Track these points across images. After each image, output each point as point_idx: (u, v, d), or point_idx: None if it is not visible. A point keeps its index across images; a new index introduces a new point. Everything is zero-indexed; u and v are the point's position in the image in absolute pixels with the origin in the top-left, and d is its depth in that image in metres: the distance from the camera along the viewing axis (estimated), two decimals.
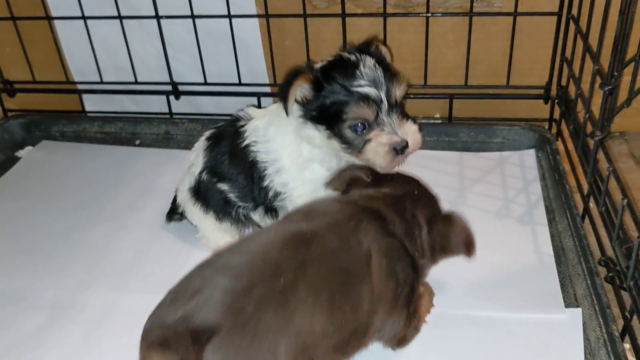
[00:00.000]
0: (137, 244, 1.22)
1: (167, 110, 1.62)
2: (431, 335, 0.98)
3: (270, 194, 1.08)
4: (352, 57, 1.00)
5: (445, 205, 1.26)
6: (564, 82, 1.40)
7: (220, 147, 1.10)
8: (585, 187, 1.20)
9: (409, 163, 1.38)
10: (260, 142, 1.07)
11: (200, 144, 1.15)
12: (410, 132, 1.01)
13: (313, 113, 1.01)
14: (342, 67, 0.99)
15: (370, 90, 0.97)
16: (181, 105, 1.62)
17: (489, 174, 1.37)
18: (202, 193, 1.13)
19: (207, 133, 1.15)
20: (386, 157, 1.00)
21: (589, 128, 1.16)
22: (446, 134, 1.47)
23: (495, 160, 1.42)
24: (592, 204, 1.17)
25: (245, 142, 1.07)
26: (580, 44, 1.25)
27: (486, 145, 1.46)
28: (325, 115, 1.00)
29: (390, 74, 0.99)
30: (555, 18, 1.36)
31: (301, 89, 1.00)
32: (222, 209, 1.13)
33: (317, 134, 1.03)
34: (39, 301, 1.09)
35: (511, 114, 1.52)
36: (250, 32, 1.49)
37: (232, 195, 1.11)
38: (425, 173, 1.32)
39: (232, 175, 1.10)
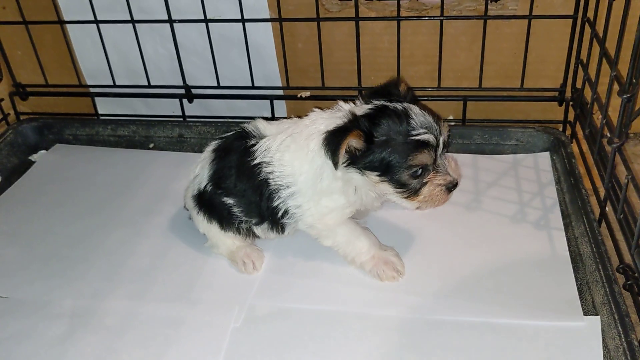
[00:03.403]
0: (153, 250, 1.23)
1: (180, 114, 1.62)
2: (450, 342, 0.99)
3: (280, 213, 1.08)
4: (399, 107, 1.00)
5: (461, 209, 1.28)
6: (578, 85, 1.39)
7: (228, 162, 1.10)
8: (601, 191, 1.20)
9: None
10: (273, 164, 1.06)
11: (206, 155, 1.15)
12: (456, 169, 1.06)
13: (366, 164, 1.01)
14: (392, 117, 0.99)
15: (428, 137, 0.99)
16: (194, 109, 1.63)
17: (504, 177, 1.37)
18: (206, 203, 1.14)
19: (213, 145, 1.15)
20: (442, 197, 1.04)
21: (606, 132, 1.16)
22: (460, 136, 1.47)
23: (510, 162, 1.41)
24: (608, 208, 1.17)
25: (256, 161, 1.07)
26: (596, 47, 1.24)
27: (500, 148, 1.45)
28: (380, 163, 1.00)
29: (436, 117, 1.02)
30: (570, 21, 1.35)
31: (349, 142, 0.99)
32: (225, 220, 1.14)
33: (359, 177, 1.03)
34: (59, 309, 1.10)
35: (525, 115, 1.51)
36: (263, 35, 1.49)
37: (236, 210, 1.11)
38: None
39: (238, 191, 1.10)
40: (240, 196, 1.10)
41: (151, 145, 1.58)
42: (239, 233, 1.15)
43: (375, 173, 1.01)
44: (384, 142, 0.99)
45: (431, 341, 1.00)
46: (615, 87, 1.08)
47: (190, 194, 1.17)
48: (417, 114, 0.99)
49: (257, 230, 1.15)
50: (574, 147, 1.39)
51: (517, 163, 1.41)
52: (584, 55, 1.35)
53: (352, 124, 0.99)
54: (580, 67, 1.38)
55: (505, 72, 1.46)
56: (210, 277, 1.16)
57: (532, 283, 1.09)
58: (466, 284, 1.09)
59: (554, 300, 1.05)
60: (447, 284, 1.10)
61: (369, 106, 1.02)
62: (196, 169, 1.16)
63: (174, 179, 1.42)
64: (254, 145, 1.08)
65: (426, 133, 0.98)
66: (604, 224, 1.18)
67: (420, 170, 1.01)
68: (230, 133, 1.14)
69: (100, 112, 1.69)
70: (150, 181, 1.44)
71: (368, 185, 1.05)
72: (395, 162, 0.99)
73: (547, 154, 1.42)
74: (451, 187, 1.04)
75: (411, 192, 1.03)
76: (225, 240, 1.16)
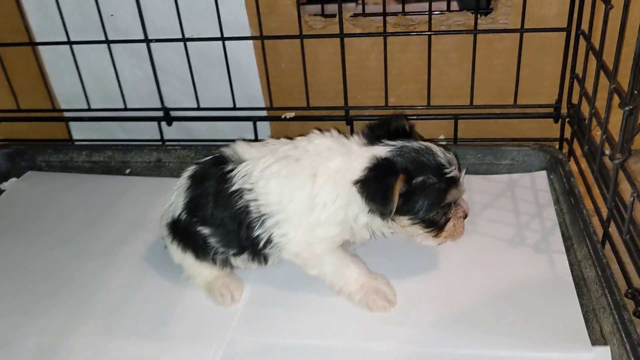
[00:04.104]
0: (126, 282, 1.14)
1: (158, 137, 1.55)
2: None
3: (262, 242, 1.01)
4: (422, 146, 0.97)
5: None
6: (575, 100, 1.33)
7: (204, 189, 1.03)
8: (604, 210, 1.13)
9: None
10: (256, 191, 0.99)
11: (182, 181, 1.08)
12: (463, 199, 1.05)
13: (403, 209, 0.97)
14: (422, 157, 0.96)
15: (456, 173, 0.98)
16: (174, 132, 1.56)
17: (499, 198, 1.30)
18: (180, 232, 1.06)
19: (190, 170, 1.08)
20: (462, 229, 1.04)
21: (606, 148, 1.10)
22: None
23: (505, 183, 1.34)
24: (612, 228, 1.10)
25: (234, 188, 1.00)
26: (592, 60, 1.18)
27: (494, 168, 1.39)
28: (418, 206, 0.97)
29: (452, 151, 1.01)
30: (564, 34, 1.29)
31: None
32: (201, 249, 1.06)
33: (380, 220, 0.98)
34: (21, 348, 1.01)
35: (519, 133, 1.45)
36: (244, 54, 1.43)
37: (212, 240, 1.04)
38: None
39: (215, 220, 1.02)
40: (217, 225, 1.03)
41: (128, 171, 1.50)
42: (215, 264, 1.07)
43: (408, 216, 0.98)
44: (421, 184, 0.95)
45: None
46: (616, 100, 1.02)
47: (165, 222, 1.10)
48: (441, 152, 0.97)
49: (236, 261, 1.07)
50: (572, 165, 1.32)
51: (513, 183, 1.34)
52: (579, 70, 1.29)
53: (392, 166, 0.94)
54: (575, 81, 1.32)
55: (497, 89, 1.41)
56: (187, 310, 1.07)
57: (535, 311, 1.01)
58: (463, 314, 1.02)
59: (558, 330, 0.97)
60: (443, 313, 1.02)
61: (389, 148, 0.97)
62: (171, 196, 1.10)
63: (151, 206, 1.34)
64: (232, 170, 1.01)
65: (454, 170, 0.97)
66: (608, 246, 1.11)
67: (450, 206, 1.00)
68: (208, 158, 1.08)
69: (75, 137, 1.62)
70: (126, 208, 1.36)
71: (386, 227, 1.01)
72: (433, 203, 0.96)
73: (544, 173, 1.35)
74: (465, 216, 1.04)
75: (438, 229, 1.01)
76: (202, 271, 1.08)
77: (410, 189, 0.95)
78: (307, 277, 1.05)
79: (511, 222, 1.23)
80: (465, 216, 1.04)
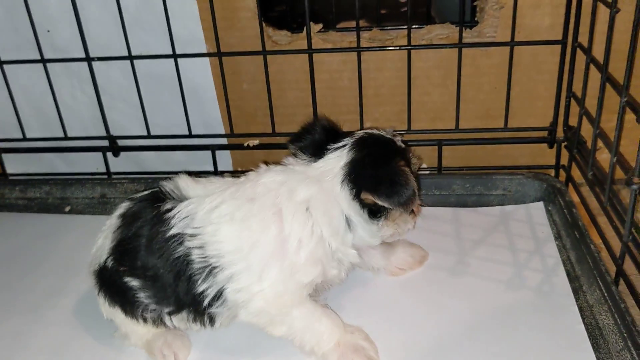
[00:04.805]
0: (53, 342, 0.96)
1: (104, 170, 1.40)
2: None
3: (207, 300, 0.84)
4: (366, 134, 0.91)
5: (445, 275, 1.04)
6: (572, 122, 1.19)
7: (134, 231, 0.86)
8: (613, 243, 0.98)
9: None
10: (202, 238, 0.83)
11: (112, 221, 0.91)
12: None
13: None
14: (381, 143, 0.90)
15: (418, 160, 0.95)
16: (121, 164, 1.41)
17: (492, 233, 1.14)
18: (107, 282, 0.89)
19: (122, 207, 0.92)
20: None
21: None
22: (436, 186, 1.24)
23: (497, 216, 1.19)
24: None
25: (172, 232, 0.84)
26: (592, 76, 1.04)
27: (485, 199, 1.23)
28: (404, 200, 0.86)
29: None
30: (558, 47, 1.16)
31: None
32: (129, 305, 0.88)
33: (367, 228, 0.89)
34: None
35: (510, 160, 1.30)
36: (200, 74, 1.28)
37: (142, 295, 0.86)
38: (415, 234, 1.11)
39: (146, 271, 0.85)
40: (149, 278, 0.85)
41: (67, 209, 1.34)
42: (145, 322, 0.89)
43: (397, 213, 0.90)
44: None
45: None
46: (629, 117, 0.87)
47: (92, 269, 0.92)
48: (384, 132, 0.92)
49: (173, 320, 0.88)
50: (572, 194, 1.17)
51: (507, 216, 1.18)
52: (577, 88, 1.15)
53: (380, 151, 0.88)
54: (573, 101, 1.17)
55: (485, 111, 1.27)
56: None
57: None
58: None
59: None
60: None
61: (345, 149, 0.88)
62: (99, 238, 0.92)
63: (90, 249, 1.14)
64: (170, 210, 0.85)
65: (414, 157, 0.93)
66: (622, 284, 0.95)
67: None
68: (144, 193, 0.91)
69: (8, 171, 1.43)
70: (63, 253, 1.19)
71: (376, 233, 0.90)
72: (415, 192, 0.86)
73: (541, 204, 1.20)
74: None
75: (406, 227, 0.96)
76: (136, 329, 0.90)
77: None
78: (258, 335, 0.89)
79: (508, 261, 1.06)
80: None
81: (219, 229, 0.83)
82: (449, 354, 0.88)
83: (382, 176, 0.85)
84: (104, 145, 1.36)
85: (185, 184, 0.88)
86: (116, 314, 0.89)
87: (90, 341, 0.94)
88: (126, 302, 0.87)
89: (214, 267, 0.82)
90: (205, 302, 0.83)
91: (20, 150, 1.40)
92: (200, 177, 0.92)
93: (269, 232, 0.83)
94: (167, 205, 0.85)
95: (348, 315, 0.92)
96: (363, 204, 0.86)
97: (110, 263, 0.87)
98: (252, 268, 0.82)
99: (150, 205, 0.87)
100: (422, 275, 1.03)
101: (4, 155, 1.43)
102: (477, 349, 0.88)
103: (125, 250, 0.86)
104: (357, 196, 0.86)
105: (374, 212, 0.88)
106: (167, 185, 0.89)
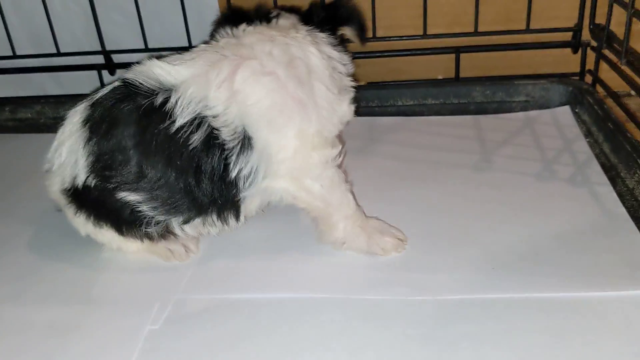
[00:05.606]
0: (38, 243, 0.89)
1: None
2: (483, 326, 0.66)
3: (242, 182, 0.75)
4: None
5: (467, 171, 0.96)
6: (599, 20, 1.11)
7: (117, 141, 0.74)
8: None
9: (409, 129, 1.11)
10: (230, 109, 0.73)
11: (71, 128, 0.78)
12: None
13: None
14: None
15: None
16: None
17: (517, 135, 1.06)
18: (89, 202, 0.78)
19: (81, 113, 0.78)
20: None
21: None
22: (454, 94, 1.16)
23: (521, 121, 1.11)
24: None
25: (179, 123, 0.73)
26: None
27: (506, 106, 1.16)
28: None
29: None
30: None
31: None
32: (126, 223, 0.79)
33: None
34: None
35: (531, 69, 1.23)
36: None
37: (145, 208, 0.76)
38: (432, 139, 1.05)
39: (148, 180, 0.75)
40: (152, 186, 0.75)
41: None
42: (149, 239, 0.80)
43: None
44: None
45: (453, 328, 0.66)
46: None
47: (58, 188, 0.80)
48: None
49: (185, 229, 0.79)
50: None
51: (532, 120, 1.11)
52: None
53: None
54: None
55: (506, 14, 1.19)
56: (119, 272, 0.81)
57: (586, 247, 0.77)
58: (491, 256, 0.77)
59: (619, 265, 0.74)
60: (462, 258, 0.77)
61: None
62: (60, 151, 0.79)
63: None
64: (165, 103, 0.74)
65: None
66: None
67: None
68: (104, 91, 0.77)
69: None
70: None
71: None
72: None
73: (567, 108, 1.12)
74: None
75: None
76: (130, 244, 0.81)
77: None
78: (278, 223, 0.85)
79: (535, 157, 0.99)
80: None
81: (248, 92, 0.74)
82: (479, 239, 0.80)
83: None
84: (99, 63, 1.27)
85: (161, 70, 0.76)
86: (105, 234, 0.79)
87: (84, 241, 0.84)
88: (121, 221, 0.77)
89: (250, 138, 0.74)
90: (240, 185, 0.75)
91: (10, 70, 1.31)
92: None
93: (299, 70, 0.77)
94: (160, 99, 0.74)
95: (366, 209, 0.85)
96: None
97: (93, 181, 0.75)
98: (288, 121, 0.75)
99: (126, 104, 0.74)
100: (444, 174, 0.96)
101: None
102: (509, 234, 0.81)
103: (110, 164, 0.74)
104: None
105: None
106: (135, 77, 0.75)
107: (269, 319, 0.70)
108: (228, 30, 0.82)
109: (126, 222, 0.78)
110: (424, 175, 0.96)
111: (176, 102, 0.73)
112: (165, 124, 0.73)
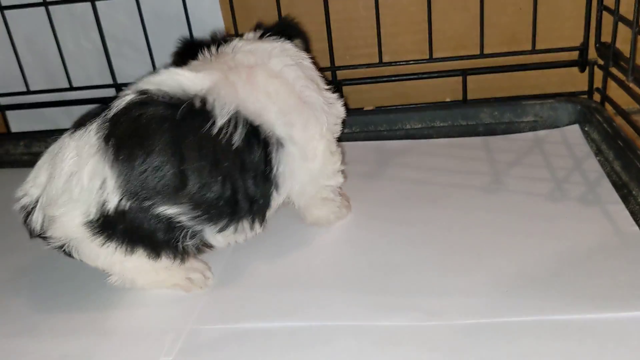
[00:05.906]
0: (57, 275, 0.88)
1: None
2: (498, 350, 0.65)
3: (278, 179, 0.81)
4: None
5: (477, 192, 0.96)
6: (605, 38, 1.11)
7: (153, 148, 0.72)
8: None
9: (419, 152, 1.12)
10: (264, 107, 0.79)
11: (88, 150, 0.73)
12: None
13: None
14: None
15: None
16: None
17: (527, 155, 1.06)
18: (121, 227, 0.74)
19: (97, 128, 0.74)
20: None
21: None
22: (462, 116, 1.16)
23: (530, 141, 1.11)
24: None
25: (220, 123, 0.74)
26: None
27: (515, 126, 1.16)
28: None
29: None
30: None
31: None
32: (160, 243, 0.76)
33: None
34: None
35: (539, 90, 1.23)
36: (209, 10, 1.22)
37: (186, 218, 0.74)
38: (441, 161, 1.05)
39: (191, 187, 0.73)
40: (201, 193, 0.74)
41: None
42: (185, 255, 0.79)
43: None
44: None
45: (468, 354, 0.65)
46: None
47: (79, 222, 0.74)
48: None
49: (216, 238, 0.79)
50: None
51: (541, 140, 1.11)
52: (607, 2, 1.08)
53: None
54: (604, 15, 1.10)
55: (511, 34, 1.20)
56: (133, 303, 0.81)
57: (598, 268, 0.77)
58: (504, 279, 0.76)
59: (634, 285, 0.72)
60: (474, 281, 0.77)
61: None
62: (81, 177, 0.73)
63: None
64: (204, 105, 0.74)
65: None
66: None
67: None
68: (116, 108, 0.74)
69: (12, 130, 1.38)
70: None
71: None
72: None
73: (576, 126, 1.12)
74: None
75: None
76: (153, 276, 0.81)
77: None
78: (289, 248, 0.86)
79: (545, 177, 0.99)
80: None
81: (274, 91, 0.81)
82: (491, 261, 0.80)
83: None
84: (111, 97, 1.29)
85: (184, 78, 0.76)
86: (131, 261, 0.77)
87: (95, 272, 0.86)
88: (155, 241, 0.75)
89: (279, 135, 0.80)
90: (280, 182, 0.81)
91: (23, 106, 1.33)
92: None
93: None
94: (197, 103, 0.74)
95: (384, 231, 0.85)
96: None
97: (127, 203, 0.72)
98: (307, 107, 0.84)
99: (157, 113, 0.72)
100: (455, 196, 0.95)
101: (8, 114, 1.36)
102: (522, 255, 0.80)
103: (146, 177, 0.71)
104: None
105: None
106: (156, 87, 0.74)
107: (282, 348, 0.69)
108: (212, 50, 0.86)
109: (161, 242, 0.75)
110: (435, 197, 0.96)
111: (214, 102, 0.74)
112: (207, 127, 0.73)
